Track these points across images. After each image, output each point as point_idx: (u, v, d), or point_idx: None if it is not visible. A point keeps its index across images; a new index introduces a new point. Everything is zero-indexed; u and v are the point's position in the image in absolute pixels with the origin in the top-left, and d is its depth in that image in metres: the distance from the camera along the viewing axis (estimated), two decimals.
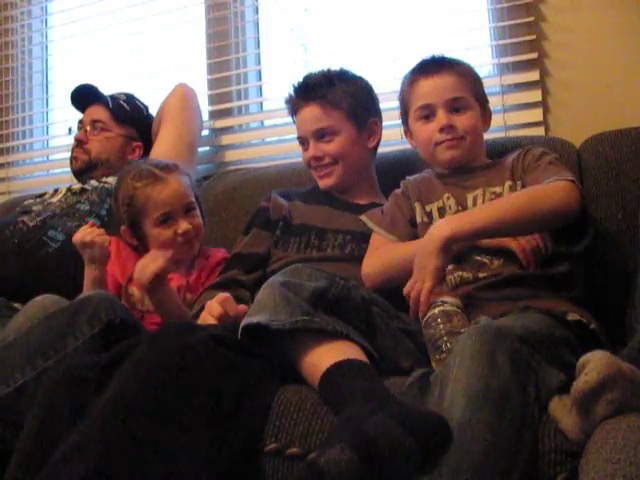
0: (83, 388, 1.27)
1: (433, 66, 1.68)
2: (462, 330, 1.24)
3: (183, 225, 1.83)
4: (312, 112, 1.82)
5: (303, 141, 1.87)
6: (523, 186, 1.54)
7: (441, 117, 1.63)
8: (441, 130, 1.63)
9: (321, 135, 1.81)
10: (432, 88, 1.66)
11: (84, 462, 1.04)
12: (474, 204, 1.58)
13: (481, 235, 1.44)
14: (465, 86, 1.65)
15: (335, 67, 1.89)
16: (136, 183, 1.85)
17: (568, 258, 1.49)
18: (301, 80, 1.88)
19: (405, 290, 1.40)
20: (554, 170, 1.52)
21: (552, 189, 1.45)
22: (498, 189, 1.57)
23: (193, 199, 1.90)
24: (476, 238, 1.46)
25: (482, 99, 1.69)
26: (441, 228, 1.40)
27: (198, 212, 1.91)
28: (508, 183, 1.57)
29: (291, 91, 1.89)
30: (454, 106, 1.63)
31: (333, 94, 1.81)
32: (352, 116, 1.81)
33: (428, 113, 1.66)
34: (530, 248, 1.45)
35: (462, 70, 1.67)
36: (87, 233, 1.75)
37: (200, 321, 1.54)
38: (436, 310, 1.29)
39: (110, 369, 1.21)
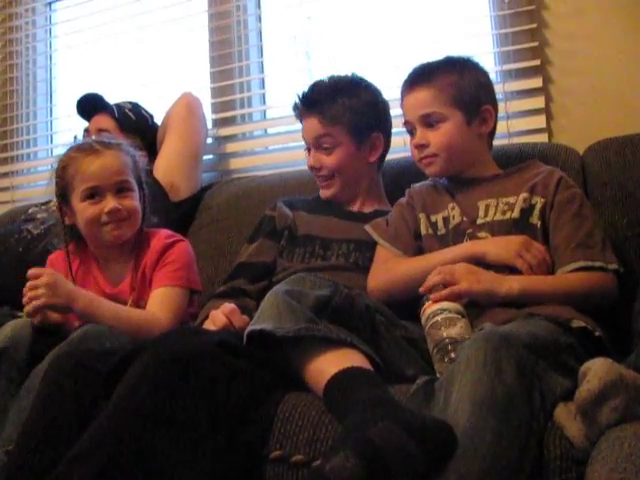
0: (90, 378, 1.30)
1: (410, 81, 1.69)
2: (466, 337, 1.24)
3: (110, 203, 1.68)
4: (311, 123, 1.82)
5: (307, 146, 1.88)
6: (550, 219, 1.52)
7: (416, 135, 1.64)
8: (414, 147, 1.65)
9: (320, 145, 1.81)
10: (408, 105, 1.68)
11: (93, 466, 1.06)
12: (486, 214, 1.56)
13: (536, 298, 1.42)
14: (439, 99, 1.61)
15: (346, 74, 1.88)
16: (72, 154, 1.74)
17: None
18: (306, 90, 1.86)
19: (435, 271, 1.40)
20: (599, 243, 1.48)
21: (606, 284, 1.44)
22: (512, 199, 1.55)
23: (130, 179, 1.73)
24: (533, 298, 1.42)
25: (469, 105, 1.62)
26: (512, 283, 1.40)
27: (135, 195, 1.74)
28: (523, 195, 1.54)
29: (297, 98, 1.88)
30: (427, 122, 1.63)
31: (333, 109, 1.79)
32: (352, 131, 1.80)
33: (411, 129, 1.67)
34: (536, 264, 1.45)
35: (438, 82, 1.63)
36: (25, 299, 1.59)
37: None
38: (439, 318, 1.29)
39: (117, 372, 1.22)
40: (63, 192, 1.74)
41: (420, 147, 1.64)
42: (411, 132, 1.68)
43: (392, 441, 0.98)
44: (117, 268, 1.76)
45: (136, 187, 1.76)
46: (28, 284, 1.56)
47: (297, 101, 1.87)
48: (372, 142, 1.84)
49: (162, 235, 1.78)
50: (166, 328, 1.60)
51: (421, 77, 1.66)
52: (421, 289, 1.40)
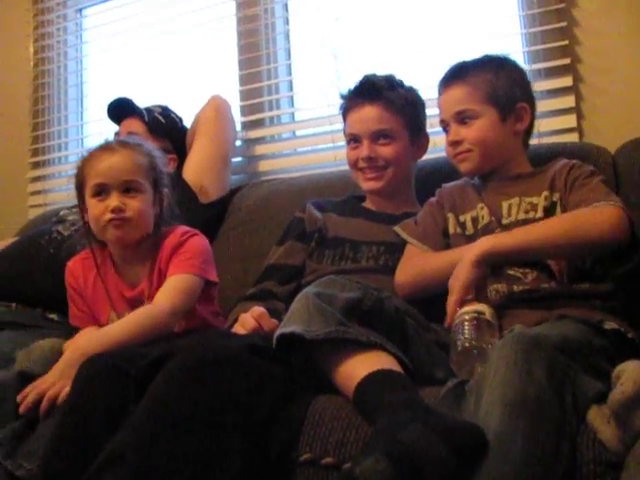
0: (121, 380, 1.30)
1: (446, 79, 1.68)
2: (490, 343, 1.23)
3: (114, 202, 1.67)
4: (375, 112, 1.79)
5: (355, 139, 1.83)
6: (565, 203, 1.51)
7: (450, 132, 1.64)
8: (449, 145, 1.64)
9: (378, 136, 1.79)
10: (443, 103, 1.67)
11: (124, 469, 1.07)
12: (509, 213, 1.56)
13: (520, 254, 1.42)
14: (473, 96, 1.61)
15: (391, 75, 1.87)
16: (92, 151, 1.75)
17: (608, 276, 1.46)
18: (365, 79, 1.84)
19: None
20: (601, 192, 1.47)
21: (598, 215, 1.40)
22: (535, 199, 1.54)
23: (139, 180, 1.71)
24: (514, 256, 1.42)
25: (503, 102, 1.61)
26: (482, 242, 1.41)
27: (144, 197, 1.71)
28: (545, 193, 1.54)
29: (351, 88, 1.85)
30: (461, 119, 1.62)
31: (396, 98, 1.79)
32: (409, 124, 1.80)
33: (445, 127, 1.67)
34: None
35: (473, 79, 1.62)
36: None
37: None
38: (466, 318, 1.28)
39: (148, 375, 1.23)
40: (79, 188, 1.75)
41: (454, 144, 1.63)
42: (446, 130, 1.67)
43: (423, 444, 0.97)
44: (134, 270, 1.75)
45: (149, 189, 1.74)
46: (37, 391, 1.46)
47: (352, 90, 1.85)
48: (421, 140, 1.85)
49: (178, 232, 1.75)
50: (168, 312, 1.59)
51: (456, 75, 1.66)
52: (445, 324, 1.37)
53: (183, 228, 1.78)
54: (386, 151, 1.78)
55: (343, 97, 1.88)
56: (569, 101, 2.10)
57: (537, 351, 1.06)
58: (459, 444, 0.98)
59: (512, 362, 1.05)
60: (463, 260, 1.39)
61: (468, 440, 0.99)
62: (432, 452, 0.97)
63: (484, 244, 1.40)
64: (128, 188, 1.70)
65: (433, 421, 1.02)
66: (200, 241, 1.78)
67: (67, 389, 1.40)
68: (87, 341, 1.56)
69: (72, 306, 1.80)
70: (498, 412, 1.01)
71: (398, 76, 1.88)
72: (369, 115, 1.80)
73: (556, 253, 1.43)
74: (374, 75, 1.85)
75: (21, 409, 1.42)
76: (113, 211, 1.67)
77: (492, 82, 1.61)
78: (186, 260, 1.70)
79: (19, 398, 1.43)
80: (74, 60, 3.14)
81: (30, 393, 1.43)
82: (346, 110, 1.87)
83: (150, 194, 1.74)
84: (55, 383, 1.44)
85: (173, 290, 1.65)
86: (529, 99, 1.67)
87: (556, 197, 1.53)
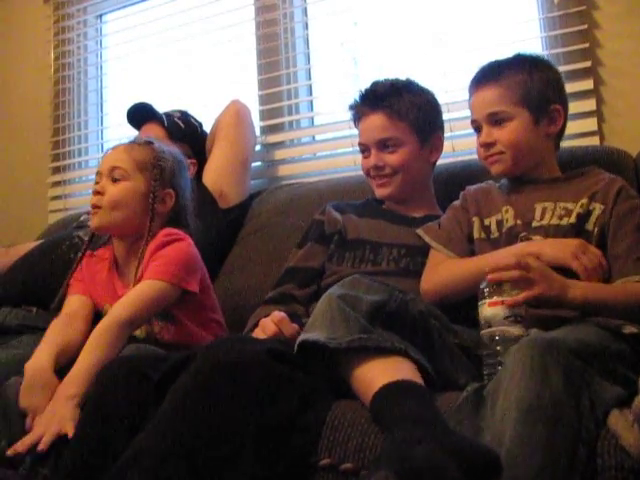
0: (141, 385, 1.31)
1: (478, 79, 1.66)
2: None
3: (96, 187, 1.74)
4: (378, 120, 1.79)
5: (364, 149, 1.84)
6: (612, 232, 1.48)
7: (482, 133, 1.62)
8: (480, 146, 1.62)
9: (384, 145, 1.79)
10: (475, 103, 1.65)
11: (144, 469, 1.08)
12: (542, 217, 1.53)
13: (595, 307, 1.38)
14: (506, 97, 1.58)
15: (403, 78, 1.87)
16: None
17: None
18: (369, 87, 1.85)
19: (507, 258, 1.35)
20: None
21: None
22: (570, 205, 1.52)
23: (125, 167, 1.73)
24: (589, 309, 1.38)
25: (537, 104, 1.59)
26: (576, 291, 1.35)
27: (127, 186, 1.73)
28: (582, 201, 1.51)
29: (357, 97, 1.86)
30: (494, 120, 1.60)
31: (400, 104, 1.78)
32: (417, 129, 1.79)
33: (477, 127, 1.65)
34: (592, 267, 1.41)
35: (506, 80, 1.60)
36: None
37: None
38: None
39: (169, 379, 1.24)
40: None
41: (486, 145, 1.61)
42: (477, 131, 1.65)
43: (433, 464, 0.95)
44: (130, 268, 1.75)
45: (139, 181, 1.74)
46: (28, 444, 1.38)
47: (358, 100, 1.85)
48: (433, 142, 1.84)
49: (161, 234, 1.71)
50: (124, 322, 1.55)
51: (489, 75, 1.64)
52: (490, 276, 1.31)
53: (168, 230, 1.73)
54: (392, 159, 1.78)
55: (350, 107, 1.89)
56: (590, 104, 2.08)
57: (553, 355, 1.05)
58: (472, 466, 0.96)
59: (528, 366, 1.04)
60: (566, 290, 1.34)
61: (481, 463, 0.97)
62: (442, 472, 0.95)
63: (578, 293, 1.34)
64: (113, 175, 1.73)
65: (447, 440, 1.00)
66: (183, 247, 1.70)
67: (70, 426, 1.36)
68: (67, 386, 1.46)
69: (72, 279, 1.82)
70: (514, 417, 1.01)
71: (417, 80, 1.87)
72: (373, 124, 1.80)
73: (623, 314, 1.36)
74: (378, 82, 1.85)
75: (9, 453, 1.35)
76: (93, 194, 1.72)
77: (526, 83, 1.59)
78: (161, 266, 1.64)
79: (10, 453, 1.35)
80: (94, 66, 3.17)
81: (20, 446, 1.35)
82: (355, 120, 1.88)
83: (140, 186, 1.74)
84: (47, 428, 1.37)
85: (134, 296, 1.61)
86: (563, 101, 1.65)
87: (594, 207, 1.51)
